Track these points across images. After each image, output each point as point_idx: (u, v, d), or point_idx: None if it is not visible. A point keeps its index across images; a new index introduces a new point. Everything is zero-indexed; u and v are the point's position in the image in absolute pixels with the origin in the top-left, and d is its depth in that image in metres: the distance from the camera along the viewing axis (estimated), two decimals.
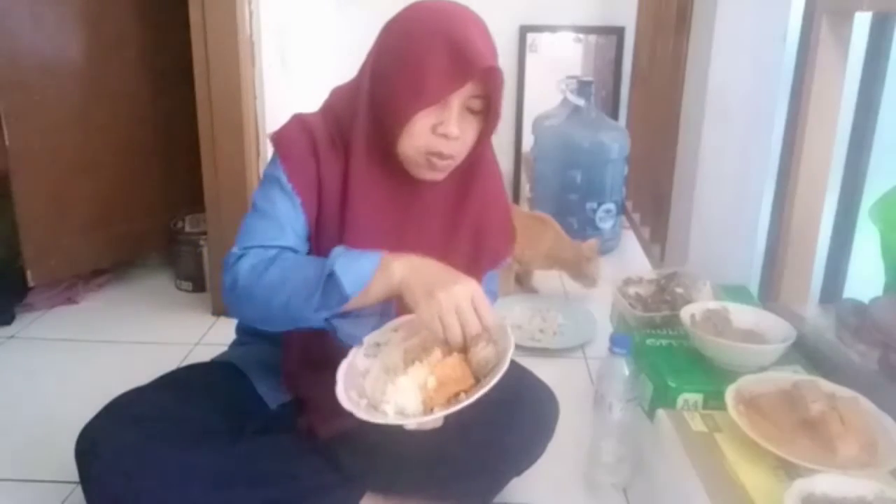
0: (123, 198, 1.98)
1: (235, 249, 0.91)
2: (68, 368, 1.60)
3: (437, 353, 0.84)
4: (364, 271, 0.82)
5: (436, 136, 0.88)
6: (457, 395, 0.82)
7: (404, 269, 0.83)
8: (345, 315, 0.85)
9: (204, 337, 1.72)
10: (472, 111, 0.90)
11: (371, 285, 0.82)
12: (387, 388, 0.82)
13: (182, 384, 1.02)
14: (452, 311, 0.80)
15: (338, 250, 0.85)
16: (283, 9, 2.10)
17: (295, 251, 0.93)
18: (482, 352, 0.83)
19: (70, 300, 1.93)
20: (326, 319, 0.85)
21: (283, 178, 0.93)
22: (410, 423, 0.80)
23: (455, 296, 0.80)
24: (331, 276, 0.82)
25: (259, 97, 1.89)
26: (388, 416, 0.80)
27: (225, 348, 1.14)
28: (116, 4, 1.90)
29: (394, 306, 0.87)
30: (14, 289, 1.83)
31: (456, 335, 0.81)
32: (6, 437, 1.32)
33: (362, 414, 0.79)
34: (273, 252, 0.91)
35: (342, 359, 0.92)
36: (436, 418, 0.81)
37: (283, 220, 0.93)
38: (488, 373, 0.82)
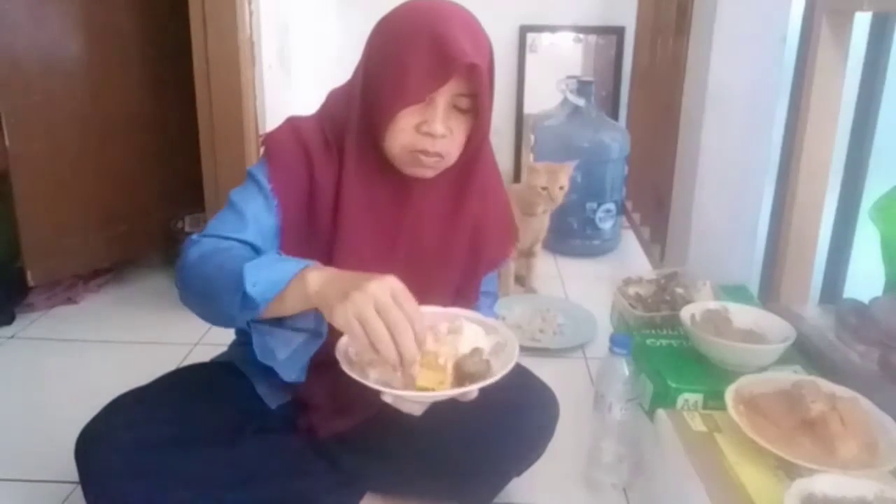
0: (123, 198, 1.98)
1: (194, 236, 0.90)
2: (68, 368, 1.60)
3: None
4: (276, 280, 0.77)
5: (420, 134, 0.88)
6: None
7: (319, 280, 0.77)
8: (277, 323, 0.83)
9: (204, 337, 1.72)
10: (460, 110, 0.89)
11: (286, 294, 0.77)
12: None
13: (182, 384, 1.02)
14: (370, 308, 0.72)
15: (267, 255, 0.82)
16: (283, 9, 2.10)
17: (254, 247, 0.91)
18: (473, 367, 0.82)
19: (70, 300, 1.93)
20: (249, 324, 0.82)
21: (264, 179, 0.93)
22: (388, 395, 0.79)
23: (371, 292, 0.73)
24: (242, 278, 0.77)
25: (259, 97, 1.89)
26: (368, 378, 0.80)
27: (225, 348, 1.14)
28: (116, 5, 1.90)
29: (326, 327, 0.82)
30: (14, 289, 1.83)
31: (381, 334, 0.72)
32: (6, 437, 1.32)
33: (346, 367, 0.79)
34: (226, 243, 0.89)
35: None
36: (414, 397, 0.80)
37: (250, 217, 0.92)
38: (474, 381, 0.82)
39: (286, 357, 0.84)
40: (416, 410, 0.83)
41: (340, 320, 0.74)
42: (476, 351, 0.84)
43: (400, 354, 0.74)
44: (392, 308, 0.73)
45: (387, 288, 0.74)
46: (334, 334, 0.84)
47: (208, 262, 0.85)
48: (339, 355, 0.81)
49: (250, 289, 0.76)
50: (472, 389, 0.79)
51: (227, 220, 0.92)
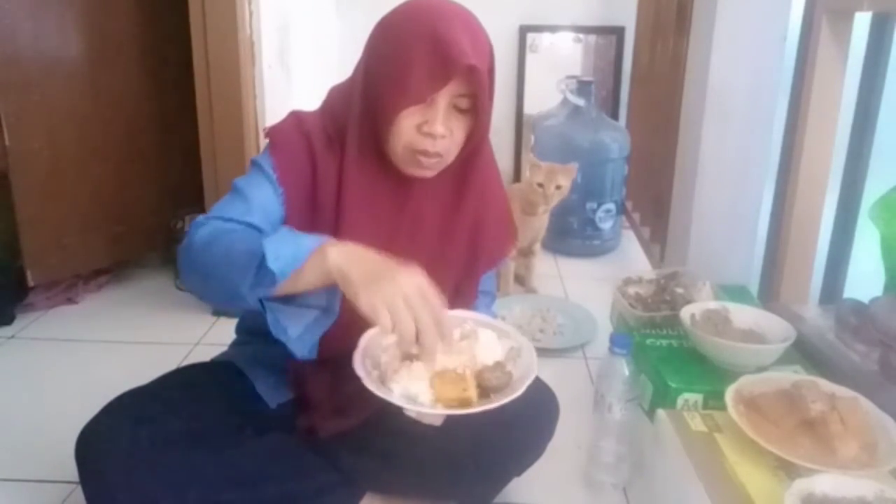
0: (123, 198, 1.98)
1: (201, 217, 0.90)
2: (68, 368, 1.60)
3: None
4: (296, 254, 0.77)
5: (421, 134, 0.88)
6: (462, 400, 0.82)
7: (340, 257, 0.77)
8: (287, 301, 0.82)
9: (204, 337, 1.72)
10: (459, 110, 0.90)
11: (305, 268, 0.77)
12: (401, 368, 0.82)
13: (182, 384, 1.02)
14: (400, 301, 0.74)
15: (281, 229, 0.82)
16: (283, 9, 2.10)
17: (260, 231, 0.91)
18: (496, 380, 0.83)
19: (70, 300, 1.93)
20: (262, 302, 0.82)
21: (269, 168, 0.93)
22: (411, 410, 0.79)
23: (401, 285, 0.74)
24: (262, 252, 0.77)
25: (259, 97, 1.89)
26: (392, 394, 0.80)
27: (225, 348, 1.14)
28: (116, 4, 1.90)
29: (338, 306, 0.83)
30: (14, 289, 1.83)
31: (408, 326, 0.74)
32: (6, 437, 1.32)
33: (369, 384, 0.79)
34: (232, 225, 0.89)
35: (340, 359, 0.92)
36: (437, 414, 0.80)
37: (256, 202, 0.92)
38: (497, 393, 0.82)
39: (298, 334, 0.84)
40: (437, 422, 0.84)
41: (365, 305, 0.74)
42: (498, 365, 0.85)
43: (421, 345, 0.76)
44: (419, 303, 0.75)
45: (415, 282, 0.76)
46: (344, 315, 0.83)
47: (217, 242, 0.84)
48: (358, 371, 0.80)
49: (272, 263, 0.75)
50: (498, 405, 0.79)
51: (232, 204, 0.92)
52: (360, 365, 0.81)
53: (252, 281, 0.78)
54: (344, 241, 0.82)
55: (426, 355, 0.78)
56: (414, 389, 0.81)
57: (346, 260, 0.77)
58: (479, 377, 0.83)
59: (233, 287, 0.80)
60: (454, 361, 0.84)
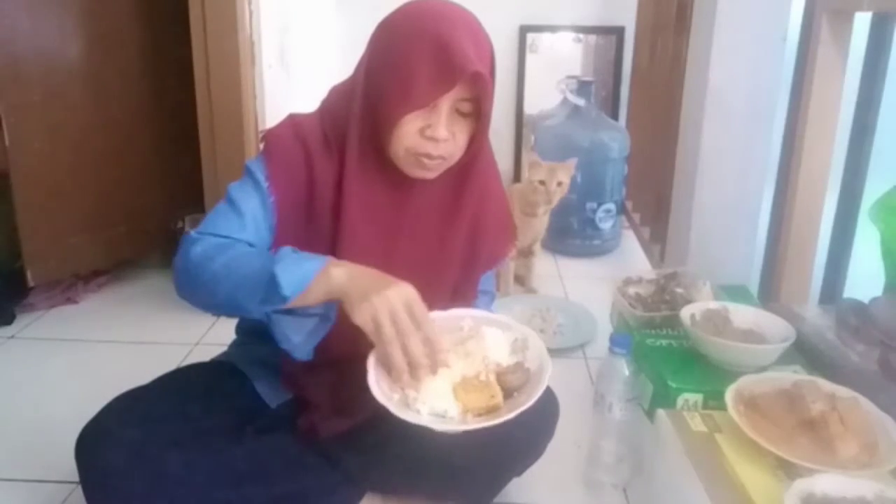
0: (123, 198, 1.98)
1: (194, 233, 0.92)
2: (68, 368, 1.60)
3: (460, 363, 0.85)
4: (305, 274, 0.82)
5: (424, 138, 0.88)
6: (490, 408, 0.82)
7: (343, 276, 0.82)
8: (289, 312, 0.86)
9: (204, 337, 1.72)
10: (462, 113, 0.90)
11: (311, 288, 0.82)
12: (420, 386, 0.82)
13: (182, 384, 1.02)
14: (386, 313, 0.79)
15: (284, 251, 0.85)
16: (283, 9, 2.10)
17: (251, 246, 0.92)
18: (516, 381, 0.84)
19: (70, 300, 1.93)
20: (268, 314, 0.85)
21: (261, 176, 0.94)
22: (438, 427, 0.80)
23: (389, 299, 0.80)
24: (273, 276, 0.81)
25: (259, 97, 1.89)
26: (421, 416, 0.80)
27: (225, 348, 1.14)
28: (116, 4, 1.90)
29: (335, 313, 0.87)
30: (14, 289, 1.83)
31: (389, 336, 0.79)
32: (6, 437, 1.32)
33: (394, 409, 0.79)
34: (227, 241, 0.91)
35: (340, 360, 0.92)
36: (467, 429, 0.81)
37: (248, 215, 0.93)
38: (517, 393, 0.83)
39: (300, 341, 0.87)
40: (459, 430, 0.84)
41: (359, 319, 0.80)
42: (518, 365, 0.86)
43: (409, 356, 0.80)
44: (401, 315, 0.80)
45: (401, 296, 0.81)
46: (341, 321, 0.86)
47: (215, 258, 0.86)
48: (379, 398, 0.81)
49: (285, 289, 0.80)
50: (528, 406, 0.80)
51: (225, 218, 0.93)
52: (377, 390, 0.81)
53: (261, 299, 0.82)
54: (344, 250, 0.86)
55: (412, 363, 0.80)
56: (441, 406, 0.82)
57: (347, 279, 0.82)
58: (501, 380, 0.84)
59: (239, 303, 0.84)
60: (471, 368, 0.84)
